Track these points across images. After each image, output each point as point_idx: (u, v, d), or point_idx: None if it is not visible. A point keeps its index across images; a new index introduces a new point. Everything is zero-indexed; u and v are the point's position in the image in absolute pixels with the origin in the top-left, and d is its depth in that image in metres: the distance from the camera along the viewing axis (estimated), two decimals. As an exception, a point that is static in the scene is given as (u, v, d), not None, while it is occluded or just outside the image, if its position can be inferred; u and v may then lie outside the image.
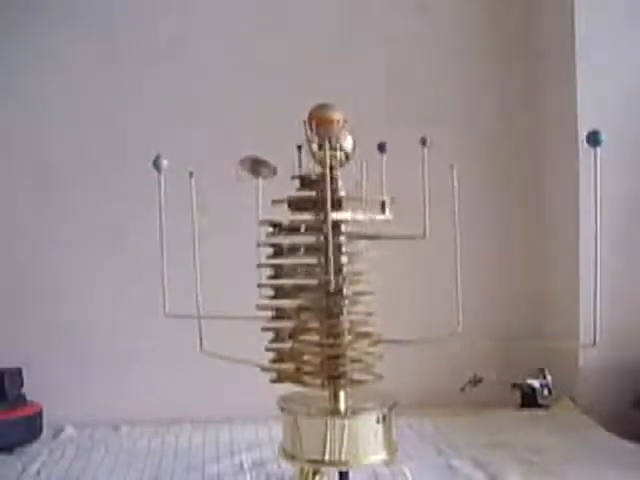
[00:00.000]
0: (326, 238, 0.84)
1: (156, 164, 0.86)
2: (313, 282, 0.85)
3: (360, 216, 0.82)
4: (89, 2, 1.62)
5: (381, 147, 0.85)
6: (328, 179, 0.74)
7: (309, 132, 0.74)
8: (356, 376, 0.85)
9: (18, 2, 1.58)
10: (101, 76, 1.60)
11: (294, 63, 1.60)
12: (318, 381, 0.84)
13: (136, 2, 1.63)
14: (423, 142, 0.80)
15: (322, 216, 0.84)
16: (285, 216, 0.84)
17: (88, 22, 1.60)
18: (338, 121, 0.73)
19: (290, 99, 1.47)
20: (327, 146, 0.73)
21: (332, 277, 0.75)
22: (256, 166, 0.82)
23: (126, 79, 1.61)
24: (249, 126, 1.55)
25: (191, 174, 0.88)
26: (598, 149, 0.72)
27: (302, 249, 0.84)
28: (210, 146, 1.56)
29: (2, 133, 1.59)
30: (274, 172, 0.83)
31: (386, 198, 0.87)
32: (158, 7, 1.62)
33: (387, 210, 0.82)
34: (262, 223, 0.85)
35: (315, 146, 0.84)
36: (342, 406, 0.84)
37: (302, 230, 0.83)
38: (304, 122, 0.76)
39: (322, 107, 0.74)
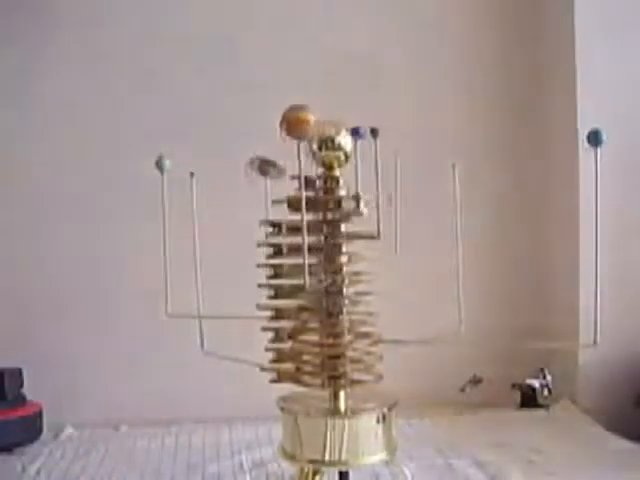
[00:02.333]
0: (326, 238, 0.85)
1: (159, 165, 0.86)
2: (313, 282, 0.85)
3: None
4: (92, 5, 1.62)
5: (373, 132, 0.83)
6: (303, 179, 0.74)
7: (283, 134, 0.74)
8: (356, 376, 0.85)
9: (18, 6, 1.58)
10: (101, 76, 1.60)
11: (296, 62, 1.60)
12: (318, 381, 0.84)
13: (138, 3, 1.63)
14: (373, 132, 0.79)
15: (321, 216, 0.84)
16: (285, 216, 0.84)
17: (87, 23, 1.61)
18: (308, 122, 0.72)
19: (292, 99, 1.48)
20: (300, 147, 0.73)
21: (307, 277, 0.75)
22: (264, 166, 0.82)
23: (127, 79, 1.61)
24: (250, 126, 1.55)
25: (192, 174, 0.89)
26: (599, 149, 0.72)
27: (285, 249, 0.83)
28: (210, 146, 1.56)
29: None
30: (282, 172, 0.83)
31: (384, 196, 0.87)
32: (160, 6, 1.62)
33: (362, 205, 0.81)
34: (262, 223, 0.85)
35: (315, 146, 0.84)
36: (342, 406, 0.85)
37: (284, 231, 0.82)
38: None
39: (293, 108, 0.73)
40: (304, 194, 0.75)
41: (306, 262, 0.75)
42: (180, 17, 1.63)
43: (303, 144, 0.80)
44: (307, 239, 0.84)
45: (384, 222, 0.85)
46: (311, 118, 0.72)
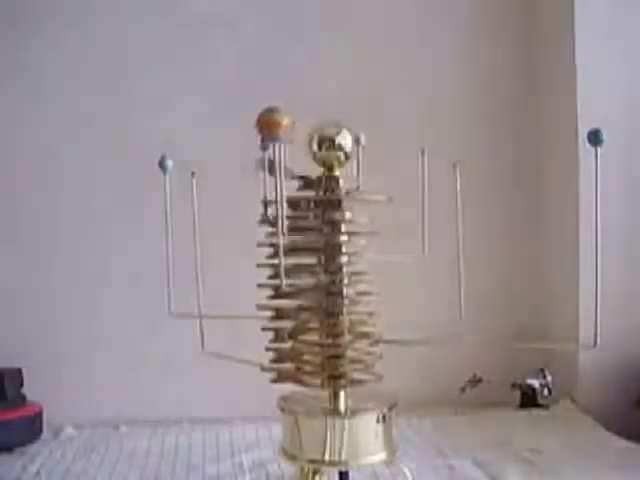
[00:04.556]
0: (329, 236, 0.85)
1: (162, 165, 0.87)
2: (313, 282, 0.85)
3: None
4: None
5: None
6: (280, 180, 0.75)
7: (258, 136, 0.75)
8: (356, 376, 0.85)
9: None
10: (102, 74, 1.61)
11: (295, 62, 1.61)
12: (318, 381, 0.84)
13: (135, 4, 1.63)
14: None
15: (322, 216, 0.84)
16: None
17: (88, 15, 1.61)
18: (280, 124, 0.73)
19: (291, 99, 1.48)
20: (277, 149, 0.74)
21: (283, 279, 0.76)
22: (273, 166, 0.82)
23: (128, 78, 1.61)
24: (252, 125, 1.55)
25: (193, 174, 0.89)
26: (599, 148, 0.72)
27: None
28: (211, 145, 1.56)
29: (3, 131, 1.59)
30: (290, 172, 0.84)
31: (383, 197, 0.88)
32: (163, 4, 1.63)
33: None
34: (262, 223, 0.85)
35: (315, 146, 0.84)
36: (342, 406, 0.85)
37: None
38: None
39: (268, 111, 0.74)
40: (281, 195, 0.75)
41: (282, 262, 0.76)
42: (180, 18, 1.63)
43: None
44: (307, 239, 0.85)
45: (383, 222, 0.86)
46: (284, 120, 0.73)
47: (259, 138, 0.75)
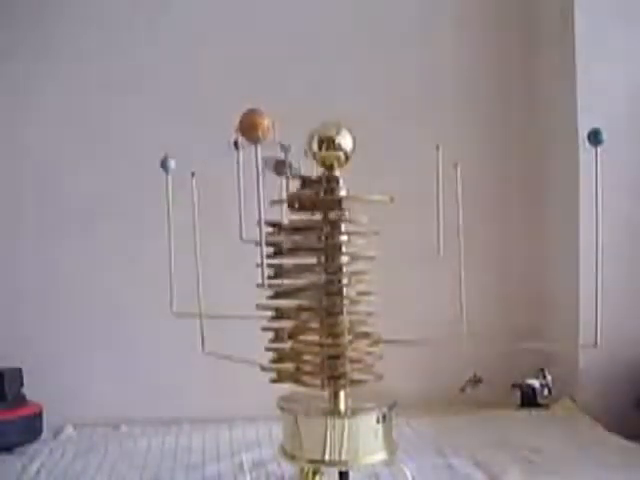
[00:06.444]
0: (325, 237, 0.85)
1: (164, 165, 0.87)
2: (313, 282, 0.85)
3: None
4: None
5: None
6: (260, 181, 0.75)
7: (239, 137, 0.75)
8: (356, 376, 0.85)
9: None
10: (102, 74, 1.61)
11: (295, 63, 1.60)
12: (318, 381, 0.84)
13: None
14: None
15: (321, 216, 0.84)
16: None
17: (87, 20, 1.61)
18: (260, 125, 0.73)
19: (289, 98, 1.48)
20: (258, 149, 0.74)
21: (266, 280, 0.76)
22: (280, 166, 0.82)
23: (128, 78, 1.61)
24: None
25: (193, 174, 0.89)
26: (599, 148, 0.72)
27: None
28: (211, 145, 1.56)
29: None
30: (297, 172, 0.84)
31: (385, 197, 0.88)
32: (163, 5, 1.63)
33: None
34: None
35: (315, 146, 0.84)
36: (342, 406, 0.85)
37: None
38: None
39: (248, 112, 0.74)
40: (262, 195, 0.75)
41: (264, 262, 0.76)
42: (179, 18, 1.63)
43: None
44: (309, 239, 0.85)
45: (383, 221, 0.86)
46: (264, 122, 0.73)
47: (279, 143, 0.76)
